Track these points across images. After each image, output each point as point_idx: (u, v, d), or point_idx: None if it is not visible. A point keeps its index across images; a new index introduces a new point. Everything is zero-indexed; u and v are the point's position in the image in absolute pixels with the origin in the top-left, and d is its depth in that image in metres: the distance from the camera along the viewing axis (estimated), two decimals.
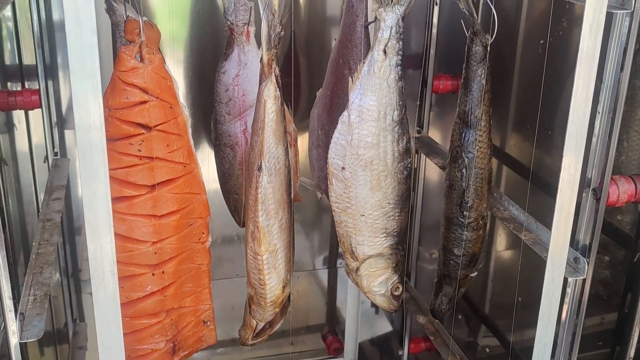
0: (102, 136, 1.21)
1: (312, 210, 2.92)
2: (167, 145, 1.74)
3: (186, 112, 1.78)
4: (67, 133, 2.54)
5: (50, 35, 2.41)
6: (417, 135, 2.64)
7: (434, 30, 2.54)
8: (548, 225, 1.75)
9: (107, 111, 1.60)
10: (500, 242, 2.62)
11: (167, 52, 2.41)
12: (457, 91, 1.97)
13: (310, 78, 2.60)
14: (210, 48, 2.50)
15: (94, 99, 1.18)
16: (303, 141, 2.43)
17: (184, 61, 2.51)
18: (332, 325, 3.17)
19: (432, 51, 2.56)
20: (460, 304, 2.42)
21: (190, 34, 2.49)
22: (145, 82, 1.67)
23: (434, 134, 2.71)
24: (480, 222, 1.99)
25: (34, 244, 1.78)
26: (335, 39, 2.12)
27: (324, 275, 3.07)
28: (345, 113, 1.79)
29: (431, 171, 2.82)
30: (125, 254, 1.75)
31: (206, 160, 2.25)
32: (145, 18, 1.70)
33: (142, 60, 1.66)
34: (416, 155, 2.67)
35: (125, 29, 1.67)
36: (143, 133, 1.70)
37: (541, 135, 2.10)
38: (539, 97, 1.90)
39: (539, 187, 2.12)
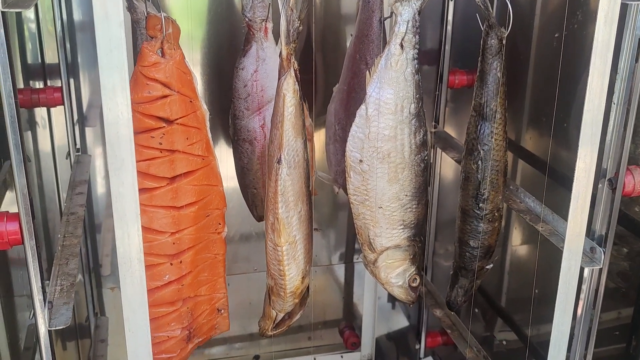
0: (130, 127, 1.25)
1: (328, 205, 2.95)
2: (187, 138, 1.78)
3: (204, 106, 1.81)
4: (88, 130, 2.58)
5: (72, 35, 2.45)
6: (434, 130, 2.66)
7: (449, 26, 2.56)
8: (564, 217, 1.77)
9: None
10: (517, 235, 2.63)
11: (185, 49, 2.45)
12: (472, 86, 1.99)
13: (327, 73, 2.63)
14: (227, 45, 2.53)
15: (122, 92, 1.21)
16: (320, 136, 2.46)
17: (202, 58, 2.54)
18: (349, 320, 3.19)
19: (448, 46, 2.57)
20: (476, 297, 2.44)
21: (208, 30, 2.53)
22: (167, 76, 1.71)
23: (450, 129, 2.72)
24: (496, 214, 2.01)
25: (59, 236, 1.82)
26: (351, 35, 2.15)
27: (340, 270, 3.09)
28: (362, 106, 1.82)
29: (447, 166, 2.84)
30: (145, 244, 1.78)
31: (223, 157, 2.29)
32: (165, 14, 1.74)
33: (163, 55, 1.70)
34: (432, 150, 2.69)
35: (147, 25, 1.71)
36: (164, 126, 1.74)
37: (557, 127, 2.12)
38: (554, 90, 1.92)
39: (555, 179, 2.13)
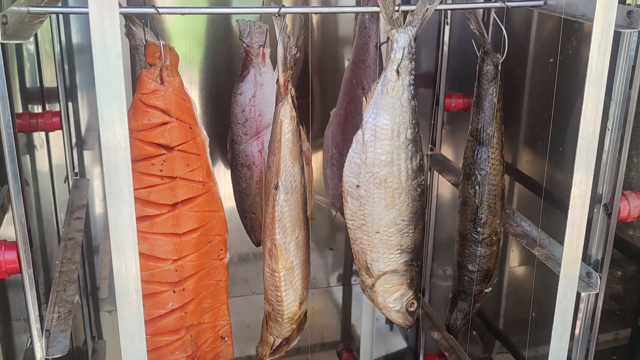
0: (127, 157, 1.25)
1: (326, 228, 2.96)
2: (187, 165, 1.79)
3: (204, 132, 1.82)
4: (86, 153, 2.60)
5: (70, 57, 2.47)
6: (430, 152, 2.67)
7: (445, 49, 2.58)
8: (560, 241, 1.78)
9: (129, 133, 1.64)
10: (514, 257, 2.64)
11: (183, 74, 2.47)
12: (469, 109, 2.00)
13: (324, 98, 2.65)
14: (225, 69, 2.55)
15: (119, 122, 1.22)
16: (317, 158, 2.47)
17: (200, 82, 2.56)
18: (347, 342, 3.19)
19: (443, 70, 2.59)
20: (474, 319, 2.44)
21: (206, 55, 2.55)
22: (166, 103, 1.72)
23: (447, 151, 2.74)
24: (494, 237, 2.02)
25: (57, 262, 1.83)
26: (348, 60, 2.17)
27: (338, 292, 3.10)
28: (359, 132, 1.83)
29: (444, 188, 2.85)
30: (147, 272, 1.79)
31: (221, 180, 2.30)
32: (164, 42, 1.75)
33: (162, 82, 1.72)
34: (429, 172, 2.70)
35: (146, 53, 1.72)
36: (164, 153, 1.75)
37: (552, 151, 2.13)
38: (549, 114, 1.93)
39: (551, 203, 2.15)
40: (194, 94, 2.55)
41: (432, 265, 2.97)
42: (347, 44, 2.66)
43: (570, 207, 1.54)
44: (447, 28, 2.54)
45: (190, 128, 1.78)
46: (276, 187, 1.79)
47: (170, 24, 2.41)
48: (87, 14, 1.21)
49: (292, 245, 1.84)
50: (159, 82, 1.71)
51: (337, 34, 2.68)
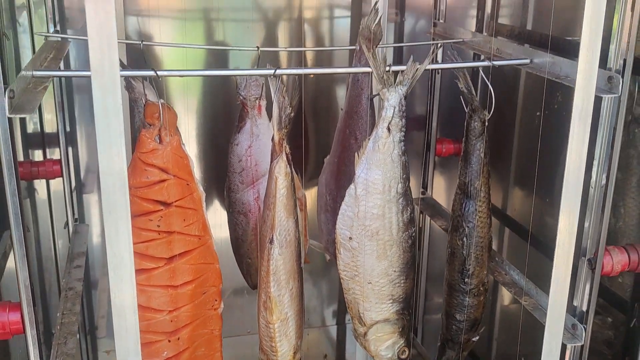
0: (129, 227, 1.31)
1: (320, 265, 3.00)
2: (184, 220, 1.85)
3: (200, 188, 1.88)
4: (86, 197, 2.65)
5: (70, 98, 2.52)
6: (422, 196, 2.73)
7: (436, 96, 2.64)
8: (548, 288, 1.83)
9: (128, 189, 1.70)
10: (505, 297, 2.69)
11: (181, 121, 2.53)
12: (459, 154, 2.06)
13: (318, 142, 2.71)
14: (222, 116, 2.61)
15: (121, 194, 1.28)
16: (311, 201, 2.53)
17: (197, 128, 2.62)
18: None
19: (434, 117, 2.66)
20: (465, 359, 2.49)
21: (203, 102, 2.61)
22: (165, 162, 1.78)
23: (438, 193, 2.80)
24: (481, 288, 2.08)
25: (57, 314, 1.87)
26: (341, 109, 2.23)
27: (333, 331, 3.14)
28: (352, 186, 1.89)
29: (436, 226, 2.90)
30: (143, 322, 1.83)
31: (217, 220, 2.36)
32: (162, 100, 1.81)
33: (161, 142, 1.77)
34: (421, 215, 2.75)
35: (146, 113, 1.78)
36: (162, 209, 1.81)
37: (540, 200, 2.19)
38: (536, 165, 1.99)
39: (539, 249, 2.20)
40: (191, 141, 2.60)
41: (424, 303, 3.01)
42: (342, 87, 2.72)
43: (554, 266, 1.59)
44: (437, 77, 2.61)
45: (187, 184, 1.83)
46: (271, 242, 1.84)
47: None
48: (89, 77, 1.26)
49: (286, 297, 1.90)
50: (158, 141, 1.77)
51: (332, 78, 2.74)
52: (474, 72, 2.18)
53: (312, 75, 2.21)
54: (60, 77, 2.20)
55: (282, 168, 1.82)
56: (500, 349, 2.78)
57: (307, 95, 2.68)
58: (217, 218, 2.57)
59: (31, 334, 1.47)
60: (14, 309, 1.48)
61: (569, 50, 1.97)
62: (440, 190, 2.83)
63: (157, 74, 1.68)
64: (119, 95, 1.24)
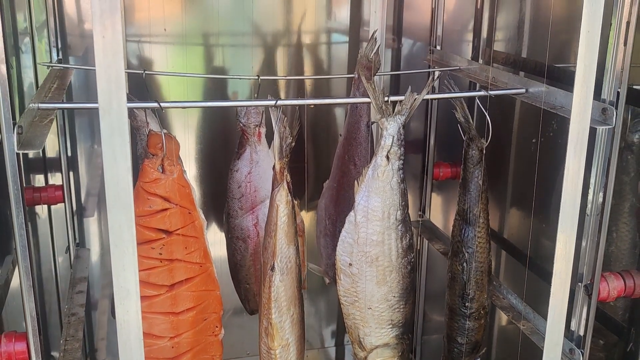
0: (135, 261, 1.33)
1: (319, 286, 3.02)
2: (186, 248, 1.87)
3: (202, 216, 1.91)
4: (86, 221, 2.67)
5: (71, 122, 2.55)
6: (420, 219, 2.76)
7: (434, 121, 2.68)
8: (545, 311, 1.86)
9: None
10: (503, 317, 2.70)
11: (181, 144, 2.57)
12: (457, 177, 2.08)
13: (317, 167, 2.74)
14: (221, 140, 2.65)
15: (127, 229, 1.30)
16: (310, 223, 2.55)
17: (197, 153, 2.65)
18: None
19: (432, 142, 2.69)
20: None
21: (203, 127, 2.64)
22: (167, 191, 1.81)
23: (436, 217, 2.83)
24: (482, 311, 2.10)
25: (60, 341, 1.89)
26: (340, 135, 2.26)
27: (332, 352, 3.15)
28: (351, 213, 1.92)
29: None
30: (145, 349, 1.85)
31: (217, 244, 2.38)
32: (165, 131, 1.84)
33: (164, 171, 1.80)
34: (419, 238, 2.78)
35: (149, 143, 1.81)
36: (164, 237, 1.83)
37: (537, 225, 2.22)
38: (533, 190, 2.02)
39: (537, 272, 2.23)
40: (191, 165, 2.63)
41: (423, 324, 3.03)
42: (341, 111, 2.76)
43: (551, 295, 1.62)
44: (435, 102, 2.65)
45: (189, 213, 1.86)
46: (272, 269, 1.87)
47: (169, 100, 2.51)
48: (96, 109, 1.29)
49: (287, 323, 1.92)
50: (161, 171, 1.80)
51: (331, 107, 2.77)
52: (470, 101, 2.21)
53: (312, 106, 2.23)
54: (65, 110, 2.23)
55: (283, 196, 1.85)
56: None
57: (306, 121, 2.71)
58: (216, 243, 2.59)
59: None
60: (20, 339, 1.50)
61: (563, 79, 2.01)
62: (438, 213, 2.86)
63: (160, 105, 1.71)
64: (127, 133, 1.27)
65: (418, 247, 2.81)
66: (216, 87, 2.62)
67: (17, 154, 1.38)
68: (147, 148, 1.84)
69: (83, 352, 2.72)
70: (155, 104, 1.70)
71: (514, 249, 2.48)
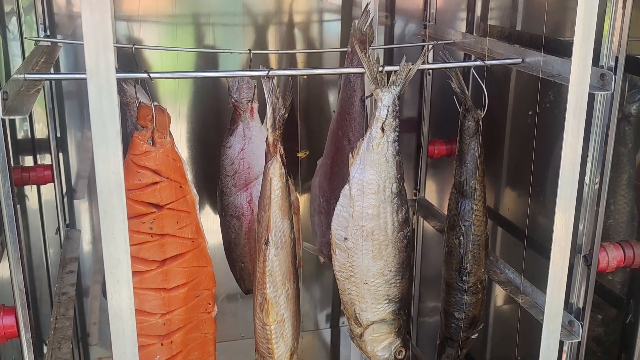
0: (125, 228, 1.30)
1: (314, 269, 2.99)
2: (177, 222, 1.83)
3: (194, 190, 1.87)
4: (76, 203, 2.63)
5: (60, 104, 2.51)
6: (415, 197, 2.73)
7: (428, 98, 2.65)
8: (543, 286, 1.83)
9: None
10: (499, 298, 2.69)
11: (172, 124, 2.53)
12: (452, 155, 2.06)
13: (311, 146, 2.69)
14: (213, 118, 2.61)
15: (117, 195, 1.27)
16: (304, 201, 2.52)
17: (188, 132, 2.61)
18: None
19: (427, 119, 2.66)
20: None
21: (195, 105, 2.60)
22: (157, 164, 1.77)
23: (431, 195, 2.80)
24: (479, 286, 2.08)
25: (51, 319, 1.85)
26: (334, 111, 2.23)
27: (327, 334, 3.13)
28: (346, 187, 1.88)
29: (430, 227, 2.90)
30: (137, 326, 1.82)
31: (210, 225, 2.34)
32: (156, 103, 1.81)
33: (154, 144, 1.76)
34: (414, 216, 2.75)
35: (139, 115, 1.77)
36: (154, 212, 1.79)
37: (534, 199, 2.20)
38: (530, 164, 2.00)
39: (534, 248, 2.21)
40: (182, 144, 2.59)
41: (419, 305, 3.01)
42: (333, 90, 2.73)
43: (551, 263, 1.59)
44: (429, 78, 2.62)
45: (181, 187, 1.82)
46: (266, 243, 1.84)
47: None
48: (84, 80, 1.25)
49: (282, 298, 1.89)
50: (151, 143, 1.76)
51: (323, 81, 2.74)
52: (464, 74, 2.19)
53: (305, 77, 2.20)
54: (52, 80, 2.18)
55: (276, 169, 1.81)
56: (495, 350, 2.78)
57: (299, 99, 2.68)
58: (209, 223, 2.56)
59: (26, 338, 1.45)
60: (9, 313, 1.47)
61: (559, 50, 1.98)
62: (433, 192, 2.83)
63: (149, 76, 1.67)
64: (115, 95, 1.23)
65: (413, 226, 2.78)
66: (208, 67, 2.57)
67: (3, 120, 1.33)
68: (137, 121, 1.80)
69: (75, 336, 2.69)
70: (144, 74, 1.66)
71: (509, 225, 2.46)
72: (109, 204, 1.28)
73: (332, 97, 2.74)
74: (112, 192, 1.27)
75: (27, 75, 1.59)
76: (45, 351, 1.78)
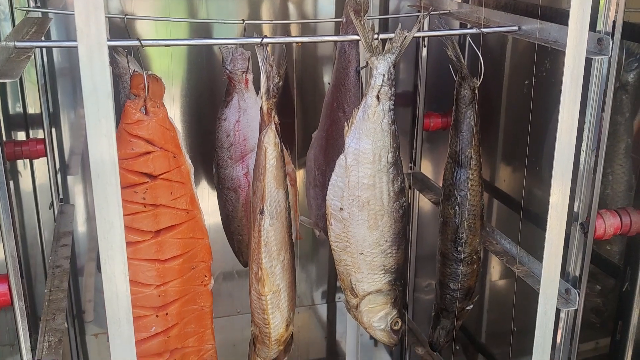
0: (118, 193, 1.28)
1: (310, 245, 2.99)
2: (171, 193, 1.82)
3: (189, 161, 1.85)
4: (70, 179, 2.61)
5: (53, 81, 2.48)
6: (410, 171, 2.72)
7: (424, 70, 2.63)
8: (539, 257, 1.83)
9: None
10: (495, 272, 2.69)
11: (166, 97, 2.51)
12: (447, 128, 2.05)
13: (305, 120, 2.69)
14: (208, 92, 2.59)
15: (109, 157, 1.25)
16: (299, 177, 2.50)
17: (182, 105, 2.59)
18: (333, 359, 3.21)
19: (422, 91, 2.64)
20: (457, 333, 2.48)
21: (189, 78, 2.57)
22: (150, 133, 1.75)
23: (427, 170, 2.79)
24: (474, 256, 2.07)
25: (45, 290, 1.84)
26: (328, 83, 2.21)
27: (323, 309, 3.13)
28: (342, 156, 1.87)
29: (425, 203, 2.89)
30: (131, 296, 1.81)
31: (205, 200, 2.33)
32: (150, 72, 1.79)
33: (147, 113, 1.74)
34: (410, 190, 2.74)
35: (131, 84, 1.75)
36: (147, 182, 1.78)
37: (530, 169, 2.19)
38: (526, 134, 1.99)
39: (530, 219, 2.20)
40: (177, 117, 2.57)
41: (414, 280, 3.01)
42: (327, 63, 2.71)
43: (547, 229, 1.59)
44: (424, 50, 2.60)
45: (175, 157, 1.80)
46: (261, 212, 1.82)
47: (153, 50, 2.44)
48: (75, 47, 1.24)
49: (278, 268, 1.88)
50: (144, 112, 1.74)
51: (317, 54, 2.72)
52: (460, 46, 2.17)
53: (299, 44, 2.18)
54: (43, 48, 2.16)
55: (271, 138, 1.80)
56: (491, 326, 2.78)
57: (294, 73, 2.66)
58: (204, 198, 2.55)
59: (19, 306, 1.44)
60: (1, 281, 1.45)
61: (555, 19, 1.95)
62: (429, 166, 2.82)
63: (141, 43, 1.65)
64: (106, 56, 1.21)
65: (409, 201, 2.78)
66: (201, 49, 2.55)
67: None
68: (129, 90, 1.78)
69: (70, 313, 2.68)
70: (136, 42, 1.64)
71: (507, 198, 2.44)
72: (101, 167, 1.26)
73: (327, 71, 2.72)
74: (104, 155, 1.25)
75: (17, 43, 1.57)
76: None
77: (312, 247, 3.02)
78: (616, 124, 2.07)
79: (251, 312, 1.97)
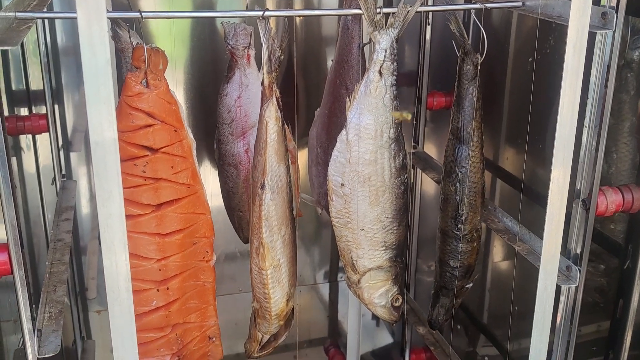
0: (117, 161, 1.28)
1: (312, 225, 2.99)
2: (172, 167, 1.81)
3: (191, 136, 1.85)
4: (73, 155, 2.62)
5: (56, 59, 2.48)
6: (413, 150, 2.71)
7: (427, 49, 2.62)
8: (541, 235, 1.82)
9: None
10: (496, 252, 2.68)
11: (168, 74, 2.50)
12: (451, 107, 2.04)
13: (308, 97, 2.68)
14: (210, 69, 2.58)
15: (109, 127, 1.25)
16: (302, 157, 2.50)
17: (185, 83, 2.58)
18: (334, 338, 3.22)
19: (425, 69, 2.63)
20: (458, 314, 2.49)
21: (191, 56, 2.57)
22: (151, 106, 1.74)
23: (430, 149, 2.78)
24: (475, 234, 2.06)
25: (47, 263, 1.85)
26: (331, 60, 2.20)
27: (325, 289, 3.13)
28: (343, 132, 1.86)
29: (428, 185, 2.89)
30: (131, 269, 1.81)
31: (208, 178, 2.32)
32: (153, 45, 1.78)
33: (147, 85, 1.74)
34: (412, 170, 2.74)
35: (133, 56, 1.75)
36: (148, 155, 1.77)
37: (532, 148, 2.18)
38: (529, 112, 1.98)
39: (532, 198, 2.19)
40: (179, 94, 2.57)
41: (416, 261, 3.01)
42: (331, 43, 2.70)
43: (548, 203, 1.58)
44: (428, 28, 2.58)
45: (176, 131, 1.80)
46: (262, 187, 1.82)
47: (155, 25, 2.44)
48: (75, 19, 1.23)
49: (278, 243, 1.88)
50: (145, 85, 1.73)
51: (321, 33, 2.71)
52: (465, 22, 2.15)
53: (300, 17, 2.16)
54: (44, 19, 2.15)
55: (272, 112, 1.79)
56: (493, 307, 2.78)
57: (295, 51, 2.65)
58: (207, 177, 2.55)
59: (19, 275, 1.44)
60: (1, 250, 1.45)
61: None
62: (432, 146, 2.81)
63: (142, 15, 1.64)
64: (105, 23, 1.20)
65: (412, 181, 2.77)
66: (204, 20, 2.53)
67: None
68: (131, 62, 1.77)
69: (73, 291, 2.69)
70: (136, 14, 1.63)
71: (509, 177, 2.43)
72: (100, 135, 1.26)
73: (330, 53, 2.70)
74: (103, 123, 1.25)
75: (17, 14, 1.56)
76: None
77: (314, 228, 3.02)
78: (621, 102, 2.05)
79: (252, 287, 1.97)
